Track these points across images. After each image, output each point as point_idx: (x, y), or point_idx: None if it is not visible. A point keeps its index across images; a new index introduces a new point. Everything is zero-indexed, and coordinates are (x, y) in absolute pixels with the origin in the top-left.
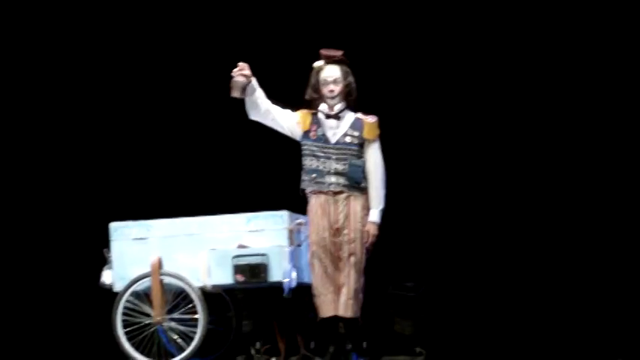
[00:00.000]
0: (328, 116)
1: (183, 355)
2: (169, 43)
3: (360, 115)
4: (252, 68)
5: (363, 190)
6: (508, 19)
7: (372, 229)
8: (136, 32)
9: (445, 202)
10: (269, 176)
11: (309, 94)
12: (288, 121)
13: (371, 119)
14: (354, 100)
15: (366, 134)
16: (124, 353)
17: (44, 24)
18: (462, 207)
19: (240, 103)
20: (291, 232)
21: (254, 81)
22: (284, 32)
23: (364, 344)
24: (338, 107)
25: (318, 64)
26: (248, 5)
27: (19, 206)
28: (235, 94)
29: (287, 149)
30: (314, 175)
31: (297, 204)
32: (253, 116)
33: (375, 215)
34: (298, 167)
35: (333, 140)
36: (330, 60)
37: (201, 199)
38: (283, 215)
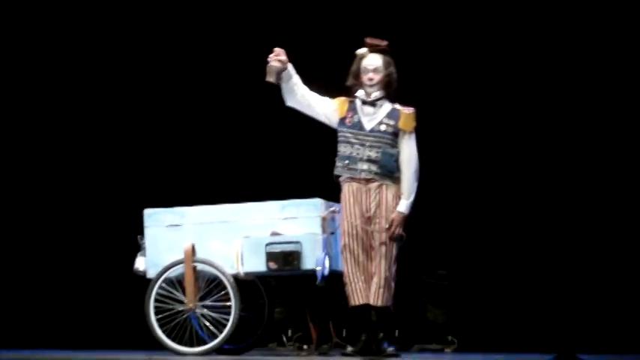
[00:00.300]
0: (364, 102)
1: (215, 342)
2: (203, 29)
3: (397, 105)
4: (294, 54)
5: (396, 180)
6: (544, 21)
7: (398, 219)
8: (171, 21)
9: (479, 192)
10: (303, 163)
11: (349, 80)
12: (325, 108)
13: (408, 110)
14: (393, 91)
15: (402, 125)
16: (156, 340)
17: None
18: (495, 198)
19: (276, 90)
20: (324, 219)
21: (290, 67)
22: (329, 20)
23: (396, 332)
24: (375, 95)
25: (361, 51)
26: None
27: (55, 194)
28: (270, 78)
29: (321, 136)
30: (347, 162)
31: (331, 192)
32: (290, 102)
33: (403, 205)
34: (332, 155)
35: (367, 127)
36: (374, 49)
37: (236, 186)
38: (317, 203)
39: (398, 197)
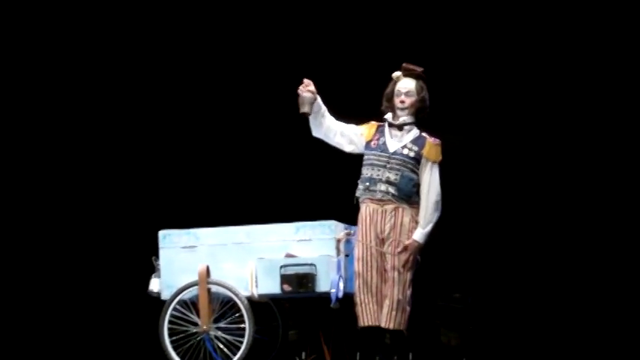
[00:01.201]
0: (391, 125)
1: None
2: (226, 51)
3: (425, 134)
4: (326, 82)
5: (413, 204)
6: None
7: (412, 247)
8: (195, 41)
9: (493, 215)
10: (318, 185)
11: (383, 103)
12: (352, 135)
13: (434, 141)
14: (423, 117)
15: (426, 153)
16: None
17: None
18: (510, 221)
19: (292, 113)
20: (339, 241)
21: (319, 98)
22: (364, 46)
23: (410, 355)
24: (404, 119)
25: (396, 74)
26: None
27: (69, 214)
28: (305, 109)
29: (337, 159)
30: (367, 184)
31: (346, 214)
32: (317, 134)
33: (418, 234)
34: (348, 176)
35: (391, 149)
36: (409, 73)
37: (250, 207)
38: (331, 225)
39: (414, 221)
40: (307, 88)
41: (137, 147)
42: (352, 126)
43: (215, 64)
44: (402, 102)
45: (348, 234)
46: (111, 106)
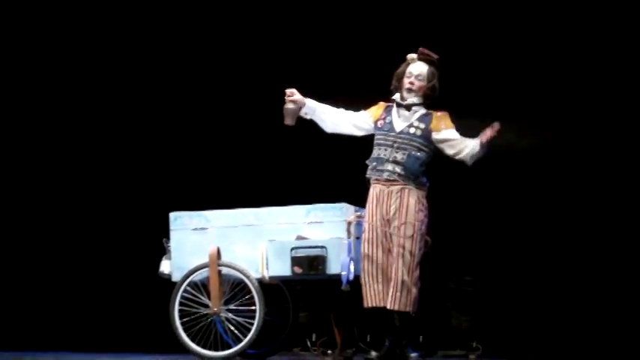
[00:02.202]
0: (399, 105)
1: (239, 346)
2: (231, 36)
3: (432, 111)
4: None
5: (420, 185)
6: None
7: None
8: (201, 27)
9: (505, 198)
10: (329, 168)
11: (393, 82)
12: (359, 121)
13: (441, 113)
14: (431, 102)
15: (433, 125)
16: (181, 343)
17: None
18: (522, 204)
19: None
20: (349, 224)
21: (308, 101)
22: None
23: (420, 338)
24: (412, 100)
25: (411, 56)
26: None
27: (81, 197)
28: (287, 121)
29: (347, 140)
30: (375, 164)
31: (357, 196)
32: (328, 131)
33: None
34: (358, 158)
35: (398, 129)
36: (423, 57)
37: (261, 190)
38: (342, 207)
39: (419, 202)
40: (289, 99)
41: (149, 130)
42: (359, 112)
43: (226, 50)
44: (411, 84)
45: (359, 216)
46: (124, 89)
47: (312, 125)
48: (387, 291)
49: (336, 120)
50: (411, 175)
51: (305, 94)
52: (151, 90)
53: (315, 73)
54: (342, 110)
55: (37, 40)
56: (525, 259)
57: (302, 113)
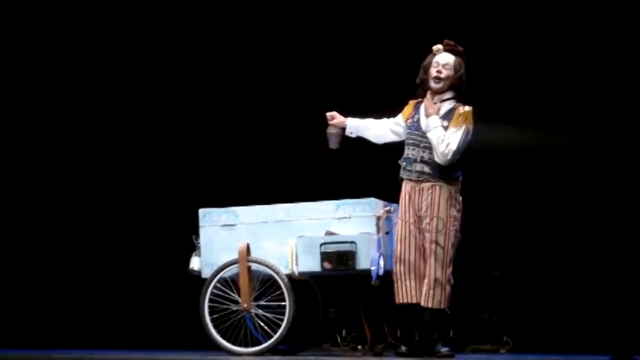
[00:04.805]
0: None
1: (269, 342)
2: (256, 31)
3: (460, 106)
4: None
5: (451, 180)
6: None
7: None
8: (222, 28)
9: (533, 192)
10: (358, 163)
11: (419, 75)
12: (396, 127)
13: (462, 108)
14: (460, 93)
15: (453, 123)
16: (211, 340)
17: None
18: (550, 198)
19: (334, 92)
20: (379, 219)
21: (350, 121)
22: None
23: (450, 333)
24: (439, 95)
25: (436, 47)
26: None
27: (113, 193)
28: (332, 145)
29: None
30: (404, 164)
31: (386, 191)
32: (376, 143)
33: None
34: (386, 154)
35: (423, 127)
36: (449, 48)
37: (290, 185)
38: (371, 202)
39: (451, 198)
40: (331, 123)
41: (179, 126)
42: (396, 117)
43: (255, 44)
44: (439, 72)
45: (388, 211)
46: (154, 84)
47: None
48: (421, 288)
49: (378, 132)
50: (440, 172)
51: (341, 105)
52: (184, 87)
53: (339, 75)
54: (382, 120)
55: (62, 41)
56: (554, 253)
57: (347, 133)
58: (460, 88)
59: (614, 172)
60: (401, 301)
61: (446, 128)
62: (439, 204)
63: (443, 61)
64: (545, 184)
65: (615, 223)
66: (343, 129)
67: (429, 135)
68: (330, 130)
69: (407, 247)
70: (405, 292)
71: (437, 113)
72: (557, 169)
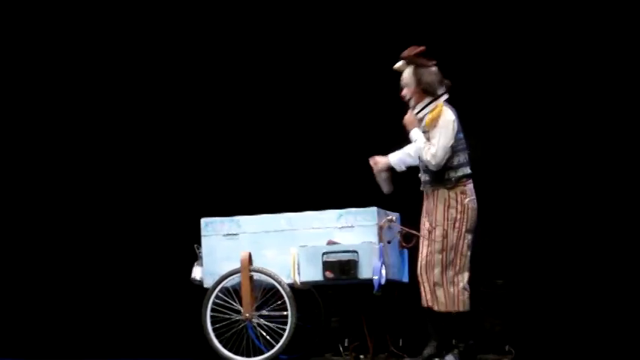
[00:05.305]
0: None
1: (272, 351)
2: (264, 38)
3: (432, 107)
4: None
5: (447, 182)
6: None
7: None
8: (225, 34)
9: (535, 201)
10: (360, 172)
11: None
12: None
13: (431, 110)
14: (434, 93)
15: (428, 127)
16: (213, 349)
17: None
18: (552, 206)
19: (336, 102)
20: (381, 228)
21: (392, 158)
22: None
23: (453, 341)
24: (416, 110)
25: (395, 67)
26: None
27: (113, 202)
28: (385, 190)
29: (379, 145)
30: (419, 175)
31: (388, 200)
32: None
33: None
34: None
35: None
36: (400, 65)
37: (292, 195)
38: (373, 211)
39: (448, 199)
40: (377, 169)
41: (182, 135)
42: None
43: (256, 49)
44: (402, 94)
45: (390, 220)
46: (158, 92)
47: (342, 130)
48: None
49: (416, 157)
50: (435, 177)
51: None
52: (187, 96)
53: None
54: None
55: (73, 44)
56: (557, 262)
57: (397, 170)
58: (429, 90)
59: (617, 179)
60: (422, 305)
61: (426, 134)
62: (436, 207)
63: (401, 80)
64: (549, 192)
65: (620, 232)
66: (389, 168)
67: (408, 163)
68: (380, 177)
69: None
70: (422, 297)
71: (417, 125)
72: (561, 176)
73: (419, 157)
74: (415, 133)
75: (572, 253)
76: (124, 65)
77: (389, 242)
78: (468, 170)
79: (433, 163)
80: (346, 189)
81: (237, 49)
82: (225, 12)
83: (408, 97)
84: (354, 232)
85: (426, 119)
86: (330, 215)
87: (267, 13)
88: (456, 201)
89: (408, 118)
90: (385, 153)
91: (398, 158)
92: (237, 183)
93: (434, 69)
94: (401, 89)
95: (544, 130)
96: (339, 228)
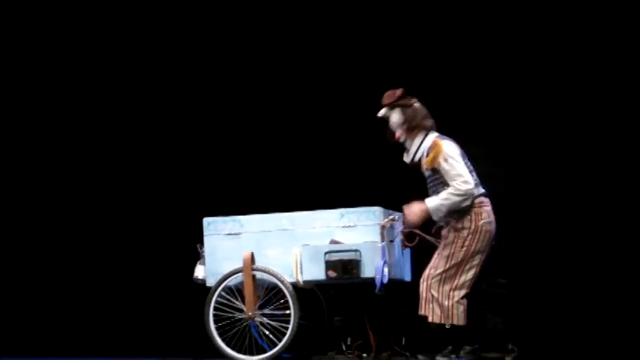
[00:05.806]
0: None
1: (274, 350)
2: (277, 37)
3: (427, 144)
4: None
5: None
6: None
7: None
8: (233, 24)
9: (538, 200)
10: (363, 171)
11: None
12: None
13: (427, 150)
14: (424, 127)
15: (434, 164)
16: (216, 348)
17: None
18: (554, 205)
19: (337, 102)
20: (383, 227)
21: (431, 208)
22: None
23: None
24: (411, 151)
25: (379, 115)
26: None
27: (116, 202)
28: (431, 238)
29: (381, 145)
30: None
31: (390, 200)
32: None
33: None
34: (392, 163)
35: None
36: (386, 107)
37: (294, 194)
38: (376, 211)
39: (463, 219)
40: (413, 231)
41: (184, 135)
42: None
43: (258, 51)
44: (397, 139)
45: (393, 220)
46: (159, 92)
47: (345, 130)
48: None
49: (452, 203)
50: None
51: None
52: (189, 96)
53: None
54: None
55: (81, 44)
56: (560, 260)
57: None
58: (420, 126)
59: (618, 181)
60: None
61: (427, 171)
62: (452, 224)
63: (391, 126)
64: (551, 191)
65: (623, 232)
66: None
67: (447, 206)
68: (416, 232)
69: None
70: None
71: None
72: (562, 175)
73: (455, 197)
74: (431, 202)
75: (575, 252)
76: (126, 66)
77: (391, 241)
78: (481, 189)
79: (471, 185)
80: (348, 188)
81: (239, 50)
82: (229, 12)
83: (403, 139)
84: (356, 231)
85: (428, 158)
86: (332, 215)
87: (271, 12)
88: (470, 221)
89: (410, 210)
90: (385, 153)
91: (433, 207)
92: (240, 183)
93: (417, 105)
94: (391, 136)
95: (544, 130)
96: (342, 227)
